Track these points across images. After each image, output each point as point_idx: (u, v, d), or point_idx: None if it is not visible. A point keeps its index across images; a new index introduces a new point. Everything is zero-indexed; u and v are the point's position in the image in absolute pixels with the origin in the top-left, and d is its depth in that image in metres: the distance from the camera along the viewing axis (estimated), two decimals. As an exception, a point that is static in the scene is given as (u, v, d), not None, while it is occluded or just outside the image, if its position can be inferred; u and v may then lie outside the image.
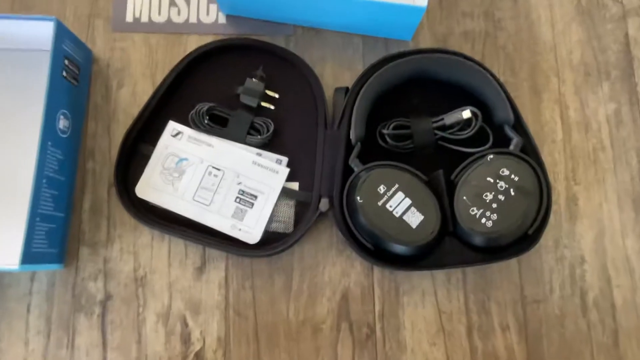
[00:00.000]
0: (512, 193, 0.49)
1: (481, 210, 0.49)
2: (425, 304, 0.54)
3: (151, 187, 0.54)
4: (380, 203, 0.49)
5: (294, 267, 0.54)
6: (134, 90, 0.58)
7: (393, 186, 0.50)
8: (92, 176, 0.56)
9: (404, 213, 0.49)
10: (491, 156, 0.50)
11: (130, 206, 0.53)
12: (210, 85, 0.56)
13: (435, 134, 0.54)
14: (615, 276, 0.54)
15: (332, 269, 0.54)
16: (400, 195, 0.50)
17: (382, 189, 0.50)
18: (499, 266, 0.54)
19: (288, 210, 0.54)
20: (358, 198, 0.50)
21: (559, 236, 0.55)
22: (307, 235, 0.54)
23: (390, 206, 0.49)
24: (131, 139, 0.54)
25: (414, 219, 0.49)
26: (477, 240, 0.49)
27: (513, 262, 0.54)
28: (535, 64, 0.59)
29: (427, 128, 0.53)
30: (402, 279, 0.54)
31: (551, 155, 0.57)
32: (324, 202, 0.52)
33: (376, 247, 0.50)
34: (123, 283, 0.54)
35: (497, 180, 0.49)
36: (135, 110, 0.57)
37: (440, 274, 0.54)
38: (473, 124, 0.53)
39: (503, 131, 0.53)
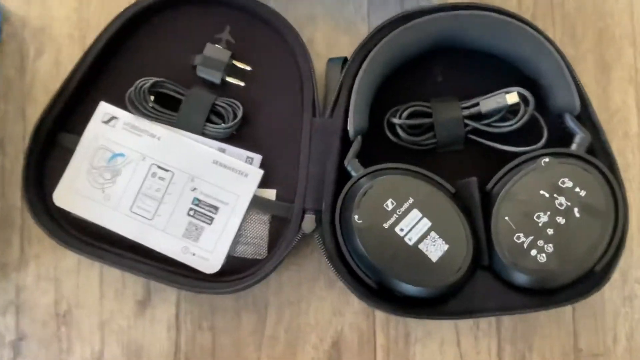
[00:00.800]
0: (577, 214, 0.35)
1: (531, 238, 0.34)
2: (444, 356, 0.40)
3: (74, 193, 0.40)
4: (387, 225, 0.35)
5: (268, 303, 0.41)
6: (57, 58, 0.43)
7: (406, 201, 0.35)
8: (0, 176, 0.42)
9: (420, 240, 0.35)
10: (546, 159, 0.35)
11: (45, 219, 0.39)
12: (157, 53, 0.42)
13: (467, 125, 0.39)
14: None
15: (320, 306, 0.41)
16: (415, 214, 0.35)
17: (390, 204, 0.35)
18: (548, 308, 0.40)
19: (260, 229, 0.39)
20: (356, 217, 0.35)
21: (628, 267, 0.41)
22: (287, 260, 0.40)
23: (402, 230, 0.35)
24: (48, 126, 0.40)
25: (435, 248, 0.35)
26: (524, 280, 0.35)
27: (566, 302, 0.40)
28: (604, 30, 0.44)
29: (456, 116, 0.38)
30: (414, 322, 0.40)
31: (622, 155, 0.42)
32: (309, 219, 0.38)
33: (380, 286, 0.36)
34: (40, 320, 0.41)
35: (555, 195, 0.35)
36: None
37: (466, 317, 0.40)
38: (521, 111, 0.38)
39: (563, 123, 0.38)
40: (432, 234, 0.35)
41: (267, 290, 0.41)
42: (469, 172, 0.38)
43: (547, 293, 0.36)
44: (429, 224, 0.35)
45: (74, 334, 0.41)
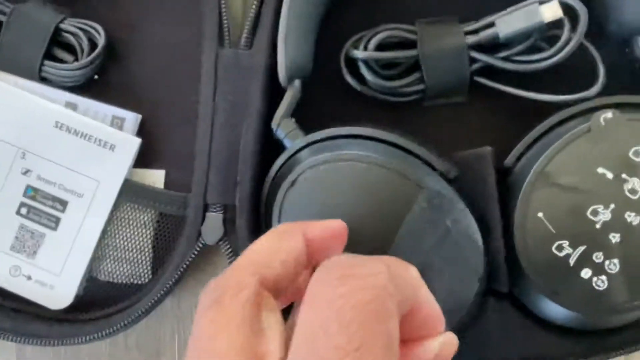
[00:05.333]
0: (659, 209, 0.21)
1: (582, 249, 0.21)
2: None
3: None
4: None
5: (163, 345, 0.26)
6: None
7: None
8: None
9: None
10: (608, 114, 0.22)
11: None
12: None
13: (474, 61, 0.24)
14: None
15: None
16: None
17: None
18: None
19: (139, 235, 0.25)
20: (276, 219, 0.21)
21: None
22: (191, 278, 0.25)
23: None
24: None
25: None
26: (567, 316, 0.21)
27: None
28: None
29: (456, 45, 0.24)
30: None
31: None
32: (213, 219, 0.23)
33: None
34: None
35: (624, 176, 0.22)
36: None
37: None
38: (565, 36, 0.23)
39: (631, 53, 0.23)
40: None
41: (162, 321, 0.26)
42: (474, 139, 0.24)
43: (598, 334, 0.23)
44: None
45: None
